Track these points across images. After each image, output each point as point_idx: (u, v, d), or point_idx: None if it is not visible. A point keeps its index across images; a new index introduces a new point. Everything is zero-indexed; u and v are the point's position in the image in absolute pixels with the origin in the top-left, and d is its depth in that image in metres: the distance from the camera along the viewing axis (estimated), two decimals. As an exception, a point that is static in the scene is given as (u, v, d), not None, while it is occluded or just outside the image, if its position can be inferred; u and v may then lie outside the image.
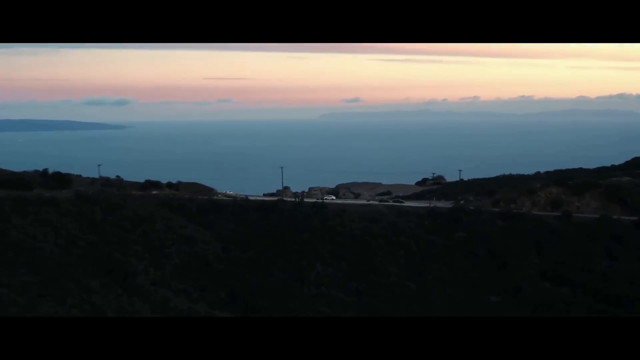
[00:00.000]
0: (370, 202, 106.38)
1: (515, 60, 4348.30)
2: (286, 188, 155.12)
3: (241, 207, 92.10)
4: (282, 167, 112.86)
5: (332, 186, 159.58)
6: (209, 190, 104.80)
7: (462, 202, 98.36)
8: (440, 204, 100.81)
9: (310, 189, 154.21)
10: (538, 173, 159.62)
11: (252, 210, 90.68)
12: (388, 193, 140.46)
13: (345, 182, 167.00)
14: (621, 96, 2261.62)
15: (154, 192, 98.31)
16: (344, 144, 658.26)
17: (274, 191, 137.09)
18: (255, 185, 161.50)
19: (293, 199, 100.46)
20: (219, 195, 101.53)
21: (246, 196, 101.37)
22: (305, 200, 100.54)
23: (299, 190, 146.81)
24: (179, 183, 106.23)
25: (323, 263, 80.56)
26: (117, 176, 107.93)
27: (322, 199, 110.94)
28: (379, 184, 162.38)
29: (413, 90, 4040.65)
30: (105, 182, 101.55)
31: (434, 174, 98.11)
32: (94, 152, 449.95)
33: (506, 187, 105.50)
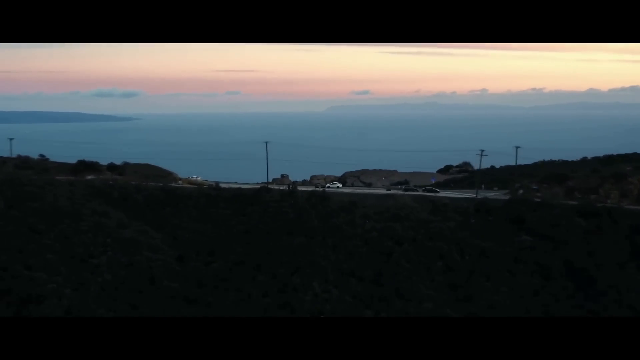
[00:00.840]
0: (391, 191, 79.81)
1: (524, 53, 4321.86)
2: (284, 176, 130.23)
3: (209, 198, 65.90)
4: (266, 142, 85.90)
5: (339, 175, 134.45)
6: (166, 175, 78.14)
7: (521, 192, 71.22)
8: (491, 194, 73.96)
9: (312, 177, 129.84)
10: (585, 159, 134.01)
11: (224, 203, 64.69)
12: (406, 182, 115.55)
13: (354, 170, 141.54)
14: (633, 89, 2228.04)
15: (89, 177, 72.21)
16: (353, 135, 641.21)
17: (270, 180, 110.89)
18: (260, 177, 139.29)
19: (282, 187, 74.10)
20: (180, 182, 75.44)
21: (216, 183, 74.73)
22: (301, 189, 74.00)
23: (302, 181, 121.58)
24: (125, 165, 79.43)
25: (323, 280, 57.86)
26: (41, 155, 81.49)
27: (324, 187, 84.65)
28: (394, 172, 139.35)
29: (422, 82, 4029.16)
30: (21, 163, 75.32)
31: (482, 150, 74.07)
32: (102, 143, 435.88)
33: (583, 172, 78.29)
